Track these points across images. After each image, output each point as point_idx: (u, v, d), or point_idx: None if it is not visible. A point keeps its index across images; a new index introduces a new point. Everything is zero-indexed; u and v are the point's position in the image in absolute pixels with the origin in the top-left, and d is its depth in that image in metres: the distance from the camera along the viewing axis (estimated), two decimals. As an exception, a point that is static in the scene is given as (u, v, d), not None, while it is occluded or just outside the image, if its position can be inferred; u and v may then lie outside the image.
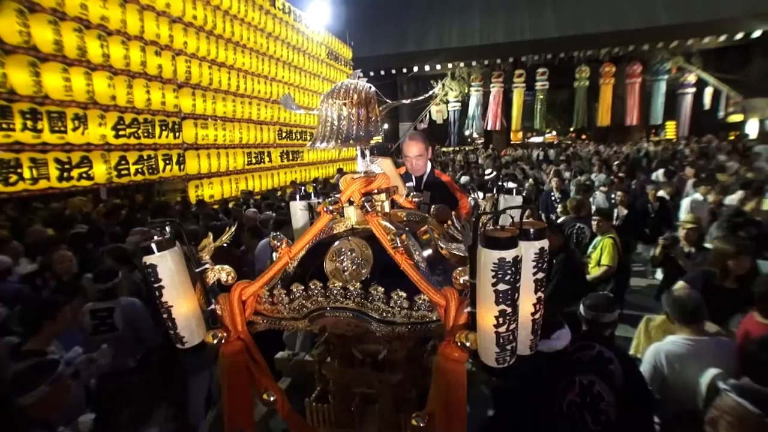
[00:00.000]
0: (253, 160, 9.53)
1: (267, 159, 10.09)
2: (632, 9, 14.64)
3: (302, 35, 11.66)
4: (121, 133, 6.15)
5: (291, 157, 11.27)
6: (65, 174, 5.37)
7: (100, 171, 5.83)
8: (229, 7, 8.59)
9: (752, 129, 15.73)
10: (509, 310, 0.95)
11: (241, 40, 9.02)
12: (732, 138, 15.78)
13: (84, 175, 5.62)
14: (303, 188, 2.16)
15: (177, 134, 7.27)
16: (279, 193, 8.87)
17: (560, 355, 1.93)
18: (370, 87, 1.50)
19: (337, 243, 1.41)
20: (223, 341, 1.31)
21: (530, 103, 18.54)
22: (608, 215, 4.23)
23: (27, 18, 4.86)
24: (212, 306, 1.36)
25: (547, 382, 1.91)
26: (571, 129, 26.59)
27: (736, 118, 16.96)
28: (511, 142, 23.25)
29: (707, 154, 11.63)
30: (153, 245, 1.20)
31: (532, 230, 1.00)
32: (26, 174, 4.93)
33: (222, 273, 1.40)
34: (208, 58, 7.98)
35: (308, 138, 11.79)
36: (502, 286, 0.93)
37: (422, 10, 17.96)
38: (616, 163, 10.11)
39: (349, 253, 1.38)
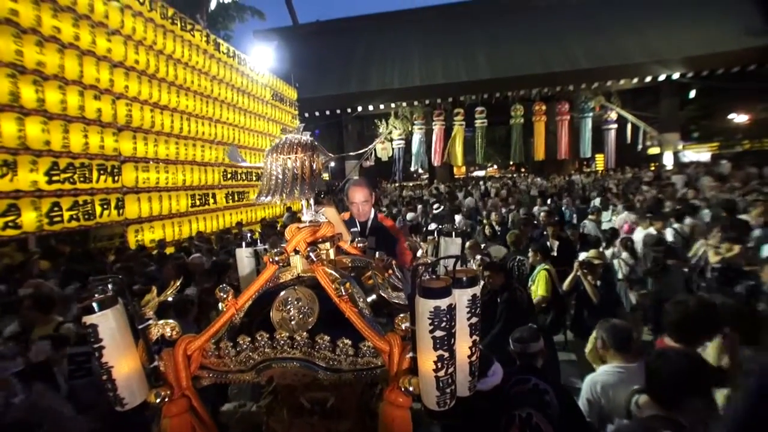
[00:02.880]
0: (197, 202, 9.28)
1: (212, 200, 9.87)
2: (556, 54, 16.35)
3: (247, 77, 11.74)
4: (54, 178, 5.83)
5: (237, 198, 11.09)
6: None
7: (29, 219, 5.46)
8: (172, 51, 8.55)
9: (668, 160, 17.49)
10: (446, 354, 1.02)
11: (185, 83, 8.95)
12: (653, 168, 17.40)
13: (10, 224, 5.24)
14: (249, 235, 2.17)
15: (116, 178, 6.98)
16: (232, 233, 8.69)
17: (498, 390, 2.01)
18: (313, 141, 1.58)
19: (283, 293, 1.44)
20: (166, 399, 1.28)
21: (471, 139, 19.55)
22: (543, 247, 4.48)
23: None
24: (155, 363, 1.33)
25: (490, 419, 1.98)
26: (511, 163, 28.17)
27: (655, 150, 18.86)
28: (455, 176, 24.16)
29: (632, 183, 12.69)
30: (94, 304, 1.17)
31: (464, 278, 1.08)
32: None
33: (166, 328, 1.38)
34: (150, 102, 7.83)
35: (254, 178, 11.77)
36: (438, 333, 1.00)
37: (364, 53, 18.76)
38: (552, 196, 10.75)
39: (295, 302, 1.41)
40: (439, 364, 1.02)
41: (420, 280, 1.05)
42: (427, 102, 18.72)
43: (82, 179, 6.33)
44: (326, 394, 1.55)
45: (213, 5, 16.56)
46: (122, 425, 2.15)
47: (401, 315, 1.22)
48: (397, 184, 20.03)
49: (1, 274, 5.19)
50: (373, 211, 2.51)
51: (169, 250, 7.40)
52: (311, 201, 1.63)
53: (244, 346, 1.34)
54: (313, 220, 1.62)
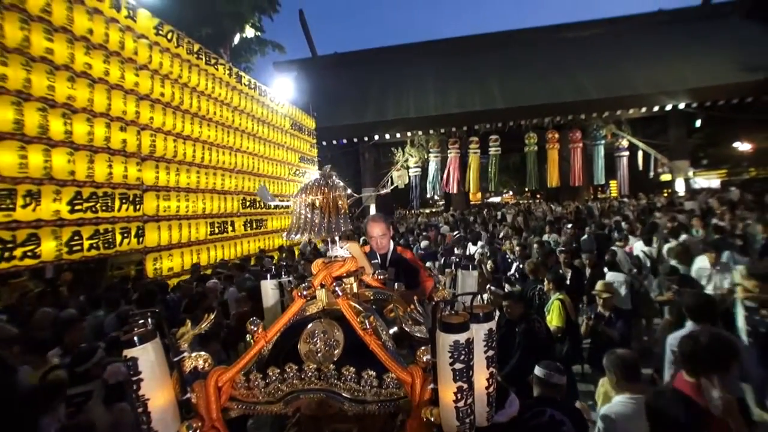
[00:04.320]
0: (216, 230, 9.48)
1: (230, 228, 10.07)
2: (567, 85, 16.74)
3: (267, 108, 12.13)
4: (77, 207, 6.01)
5: (255, 226, 11.28)
6: (5, 254, 5.05)
7: (48, 248, 5.55)
8: (196, 84, 8.93)
9: (680, 186, 17.54)
10: (465, 386, 1.09)
11: (207, 114, 9.30)
12: (666, 195, 17.36)
13: (29, 253, 5.32)
14: (270, 260, 2.26)
15: (138, 207, 7.20)
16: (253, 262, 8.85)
17: (515, 421, 2.03)
18: (339, 182, 1.70)
19: (310, 325, 1.52)
20: (197, 430, 1.34)
21: (486, 166, 19.70)
22: (557, 277, 4.50)
23: None
24: (188, 395, 1.40)
25: None
26: (526, 189, 28.23)
27: (666, 177, 18.84)
28: (471, 203, 24.23)
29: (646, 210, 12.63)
30: (135, 338, 1.23)
31: (481, 314, 1.16)
32: None
33: (199, 360, 1.46)
34: (173, 132, 8.14)
35: (272, 207, 11.97)
36: (458, 365, 1.07)
37: (381, 83, 19.25)
38: (565, 222, 10.72)
39: (321, 334, 1.49)
40: (459, 395, 1.09)
41: (440, 315, 1.13)
42: (442, 130, 19.02)
43: (104, 208, 6.51)
44: (349, 425, 1.61)
45: (236, 40, 17.24)
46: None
47: (422, 348, 1.30)
48: (413, 211, 20.18)
49: (16, 304, 5.32)
50: (391, 243, 2.60)
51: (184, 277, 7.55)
52: (336, 238, 1.73)
53: (273, 378, 1.41)
54: (338, 255, 1.71)
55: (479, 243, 8.13)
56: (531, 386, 2.47)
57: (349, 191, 1.74)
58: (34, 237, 5.38)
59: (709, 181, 19.20)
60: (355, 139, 18.73)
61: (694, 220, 7.90)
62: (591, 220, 11.44)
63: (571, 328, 4.08)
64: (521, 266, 6.17)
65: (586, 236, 8.15)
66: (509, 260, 6.81)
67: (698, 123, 18.05)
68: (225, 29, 16.10)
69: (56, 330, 3.70)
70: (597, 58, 17.58)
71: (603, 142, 18.29)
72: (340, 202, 1.63)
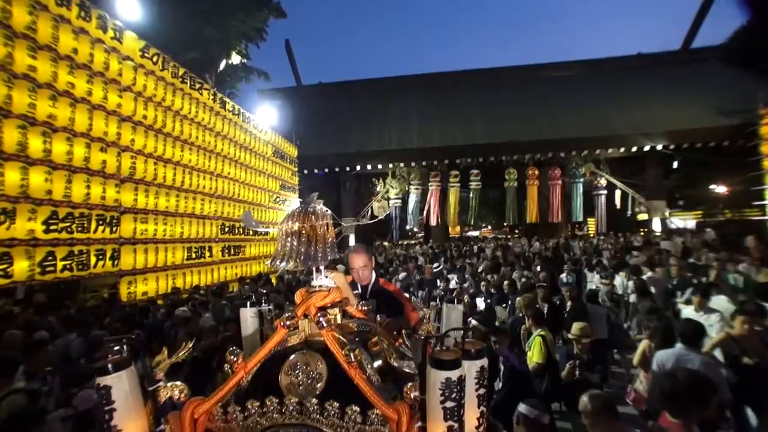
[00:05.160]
0: (194, 255, 9.26)
1: (208, 254, 9.86)
2: (547, 122, 17.25)
3: (249, 134, 12.14)
4: (52, 227, 5.82)
5: (233, 252, 11.08)
6: None
7: (21, 268, 5.37)
8: (180, 108, 8.90)
9: (657, 226, 17.95)
10: (456, 426, 1.05)
11: (190, 138, 9.24)
12: (642, 234, 17.77)
13: (1, 272, 5.15)
14: (247, 287, 2.20)
15: (114, 229, 7.01)
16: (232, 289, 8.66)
17: None
18: (327, 211, 1.68)
19: (292, 357, 1.47)
20: (171, 465, 1.27)
21: (466, 200, 19.95)
22: (537, 313, 4.50)
23: None
24: (161, 426, 1.33)
25: None
26: (505, 224, 28.60)
27: (643, 216, 19.35)
28: (449, 236, 24.37)
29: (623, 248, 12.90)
30: (109, 365, 1.19)
31: (473, 350, 1.14)
32: None
33: (175, 390, 1.39)
34: (154, 155, 8.04)
35: (251, 233, 11.80)
36: (449, 404, 1.04)
37: (364, 114, 19.56)
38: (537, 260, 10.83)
39: (304, 366, 1.44)
40: (449, 435, 1.05)
41: (431, 350, 1.10)
42: (423, 163, 19.28)
43: (80, 229, 6.34)
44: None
45: (222, 66, 17.38)
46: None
47: (410, 384, 1.26)
48: (393, 242, 20.15)
49: None
50: (374, 275, 2.57)
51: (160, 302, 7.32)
52: (321, 267, 1.70)
53: (252, 411, 1.34)
54: (322, 285, 1.68)
55: (465, 275, 8.14)
56: (513, 423, 2.42)
57: (337, 222, 1.72)
58: (6, 256, 5.22)
59: (684, 221, 19.67)
60: (337, 169, 18.80)
61: (672, 260, 8.09)
62: (569, 257, 11.60)
63: (551, 365, 4.06)
64: (489, 301, 6.24)
65: (564, 272, 8.26)
66: (485, 295, 6.83)
67: (675, 164, 18.68)
68: (212, 55, 16.24)
69: (24, 351, 3.49)
70: (578, 97, 18.12)
71: (582, 180, 18.78)
72: (326, 231, 1.60)
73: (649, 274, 7.18)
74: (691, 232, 15.63)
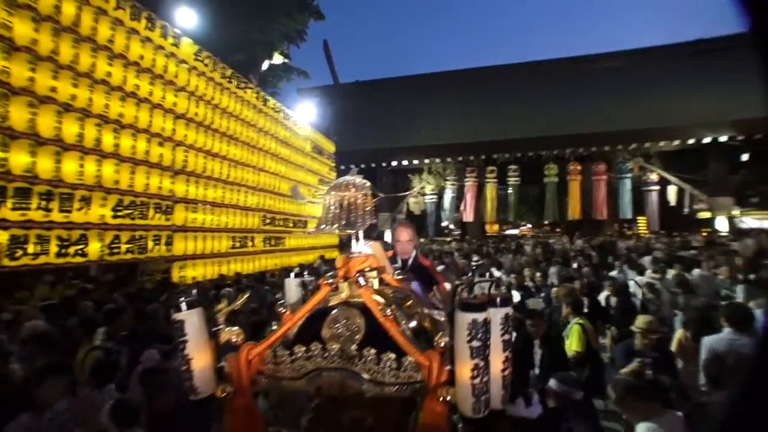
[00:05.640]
0: (237, 244, 9.72)
1: (250, 243, 10.30)
2: (590, 115, 16.39)
3: (290, 130, 12.54)
4: (118, 214, 6.42)
5: (273, 243, 11.50)
6: (63, 251, 5.53)
7: (94, 248, 6.00)
8: (226, 105, 9.37)
9: (722, 225, 16.36)
10: (482, 363, 1.17)
11: (235, 134, 9.70)
12: (704, 234, 16.25)
13: (79, 251, 5.78)
14: (298, 268, 2.40)
15: (168, 217, 7.52)
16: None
17: (536, 424, 2.06)
18: (366, 182, 1.83)
19: (334, 311, 1.62)
20: (230, 395, 1.46)
21: (503, 196, 19.62)
22: (575, 302, 4.43)
23: (62, 116, 5.53)
24: (222, 363, 1.53)
25: None
26: (545, 222, 27.92)
27: (705, 214, 17.85)
28: (486, 234, 24.01)
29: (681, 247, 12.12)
30: (183, 304, 1.42)
31: (498, 299, 1.25)
32: (30, 249, 5.13)
33: (232, 334, 1.59)
34: (204, 149, 8.52)
35: (291, 225, 12.19)
36: (475, 343, 1.16)
37: (400, 110, 19.60)
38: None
39: (344, 320, 1.59)
40: (475, 372, 1.16)
41: (459, 296, 1.22)
42: (459, 158, 19.14)
43: (140, 216, 6.88)
44: (365, 414, 1.68)
45: (265, 66, 18.01)
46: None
47: (441, 333, 1.38)
48: (428, 239, 20.15)
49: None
50: (414, 251, 2.70)
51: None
52: (360, 235, 1.85)
53: (299, 355, 1.51)
54: (361, 252, 1.82)
55: (502, 270, 8.13)
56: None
57: (376, 193, 1.86)
58: (84, 238, 5.86)
59: (760, 221, 17.40)
60: (373, 164, 18.98)
61: (737, 259, 7.35)
62: (612, 256, 11.10)
63: (592, 355, 3.98)
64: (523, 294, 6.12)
65: (615, 270, 7.93)
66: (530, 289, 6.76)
67: (745, 157, 17.14)
68: (256, 56, 16.89)
69: (105, 317, 4.12)
70: (624, 89, 16.93)
71: (630, 175, 17.79)
72: (365, 200, 1.75)
73: (698, 271, 6.84)
74: (767, 233, 14.04)
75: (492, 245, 16.00)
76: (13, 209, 4.97)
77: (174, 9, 9.45)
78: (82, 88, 5.83)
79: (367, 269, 1.76)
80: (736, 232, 15.09)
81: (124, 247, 6.51)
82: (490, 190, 19.16)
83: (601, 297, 5.79)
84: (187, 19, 9.51)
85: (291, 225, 12.33)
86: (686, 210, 18.02)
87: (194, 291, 1.51)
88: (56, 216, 5.47)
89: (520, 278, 6.82)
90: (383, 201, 20.09)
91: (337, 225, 1.68)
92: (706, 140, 15.62)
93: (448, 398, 1.25)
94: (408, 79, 22.69)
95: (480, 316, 1.16)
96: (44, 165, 5.29)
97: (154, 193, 7.19)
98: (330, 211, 1.73)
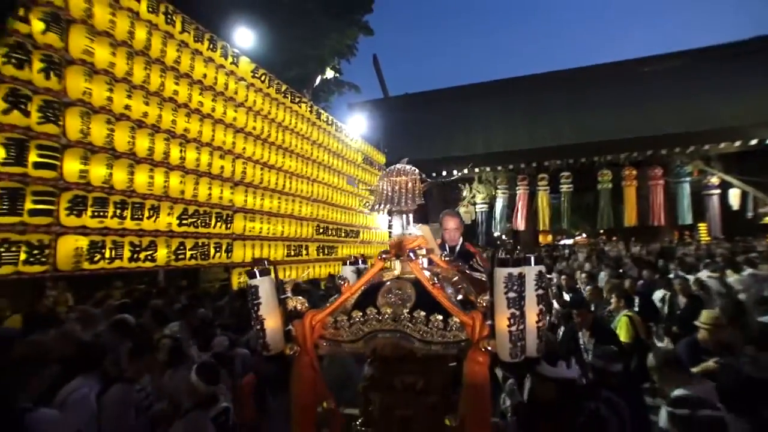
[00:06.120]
0: (292, 252, 10.18)
1: (305, 252, 10.74)
2: (643, 119, 15.86)
3: (342, 143, 13.01)
4: (183, 222, 6.96)
5: (326, 252, 11.91)
6: (135, 256, 6.08)
7: (161, 254, 6.51)
8: (282, 119, 9.94)
9: (789, 229, 15.49)
10: (518, 313, 1.33)
11: (290, 146, 10.23)
12: (771, 240, 15.39)
13: (149, 257, 6.31)
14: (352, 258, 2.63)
15: (228, 225, 8.05)
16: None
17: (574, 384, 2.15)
18: (415, 169, 2.03)
19: (387, 283, 1.83)
20: (297, 354, 1.70)
21: (556, 205, 19.15)
22: (625, 294, 4.41)
23: (135, 132, 6.17)
24: (289, 327, 1.77)
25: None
26: (600, 231, 26.79)
27: None
28: (539, 244, 23.42)
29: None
30: (256, 271, 1.68)
31: (532, 257, 1.40)
32: (107, 254, 5.67)
33: (297, 302, 1.83)
34: (261, 161, 9.07)
35: (343, 235, 12.57)
36: (511, 294, 1.32)
37: (449, 121, 19.73)
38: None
39: (397, 291, 1.79)
40: (512, 320, 1.33)
41: (497, 256, 1.38)
42: (510, 167, 18.94)
43: (203, 224, 7.42)
44: (416, 377, 1.86)
45: (318, 81, 18.87)
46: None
47: (482, 294, 1.55)
48: (480, 248, 19.94)
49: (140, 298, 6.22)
50: (461, 239, 2.87)
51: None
52: (411, 218, 2.05)
53: (357, 319, 1.72)
54: (412, 233, 2.02)
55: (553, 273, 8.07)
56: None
57: (424, 178, 2.07)
58: (153, 244, 6.40)
59: None
60: (423, 175, 19.10)
61: None
62: (670, 262, 10.64)
63: (640, 345, 3.96)
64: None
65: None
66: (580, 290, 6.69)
67: None
68: (308, 71, 17.76)
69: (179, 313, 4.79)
70: (679, 91, 16.38)
71: (688, 179, 17.00)
72: (414, 184, 1.96)
73: (750, 270, 6.46)
74: None
75: (545, 253, 15.70)
76: (92, 217, 5.51)
77: (233, 30, 10.18)
78: (152, 105, 6.43)
79: (417, 247, 1.96)
80: None
81: (188, 253, 7.03)
82: (543, 198, 18.76)
83: (655, 298, 5.64)
84: (244, 38, 10.21)
85: (343, 235, 12.72)
86: (750, 214, 16.90)
87: (266, 262, 1.76)
88: (129, 224, 6.02)
89: (570, 280, 6.72)
90: (435, 212, 20.16)
91: (391, 205, 1.89)
92: (769, 141, 14.66)
93: (489, 348, 1.41)
94: (456, 90, 22.81)
95: (515, 271, 1.32)
96: (119, 177, 5.86)
97: (215, 203, 7.73)
98: (383, 194, 1.95)
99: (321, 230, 11.59)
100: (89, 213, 5.48)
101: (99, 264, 5.58)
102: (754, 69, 15.91)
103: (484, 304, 1.52)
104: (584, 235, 33.78)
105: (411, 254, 1.85)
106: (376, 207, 1.90)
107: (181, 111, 7.01)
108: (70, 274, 5.43)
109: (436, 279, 1.71)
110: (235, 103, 8.38)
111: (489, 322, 1.45)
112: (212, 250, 7.63)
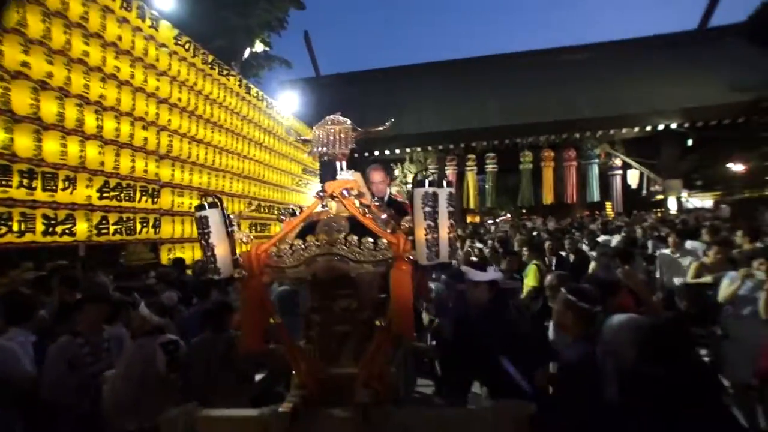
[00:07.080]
0: (224, 229, 9.99)
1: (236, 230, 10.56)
2: (561, 104, 17.52)
3: (273, 119, 12.81)
4: (104, 195, 6.56)
5: (258, 229, 11.80)
6: (50, 229, 5.68)
7: (81, 229, 6.15)
8: (209, 92, 9.60)
9: (673, 205, 18.10)
10: (432, 224, 1.62)
11: (219, 121, 9.93)
12: (659, 214, 17.71)
13: (67, 231, 5.93)
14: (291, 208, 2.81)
15: (155, 200, 7.74)
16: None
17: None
18: (347, 120, 2.27)
19: (324, 219, 2.07)
20: (244, 277, 1.89)
21: (483, 186, 20.33)
22: (536, 246, 5.09)
23: (39, 93, 5.57)
24: (236, 256, 1.96)
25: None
26: (522, 210, 28.74)
27: (660, 197, 19.41)
28: (467, 222, 24.65)
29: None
30: (205, 204, 1.85)
31: (445, 181, 1.71)
32: (15, 227, 5.23)
33: (242, 235, 2.03)
34: (188, 135, 8.73)
35: (275, 212, 12.46)
36: (427, 209, 1.61)
37: (380, 101, 20.01)
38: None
39: (333, 224, 2.04)
40: (428, 230, 1.62)
41: (415, 179, 1.67)
42: (440, 147, 19.72)
43: (126, 198, 7.06)
44: (351, 300, 2.12)
45: (246, 54, 18.21)
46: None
47: (406, 218, 1.84)
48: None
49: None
50: (388, 189, 3.15)
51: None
52: (344, 164, 2.29)
53: (297, 247, 1.95)
54: (345, 177, 2.27)
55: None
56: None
57: (355, 127, 2.30)
58: (71, 217, 6.02)
59: (702, 201, 19.38)
60: (356, 155, 19.33)
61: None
62: (582, 234, 11.89)
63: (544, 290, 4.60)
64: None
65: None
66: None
67: (690, 143, 18.50)
68: (236, 42, 17.05)
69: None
70: (592, 80, 18.24)
71: (597, 161, 18.99)
72: (346, 132, 2.20)
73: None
74: (708, 211, 15.61)
75: (470, 230, 16.71)
76: (-7, 186, 5.02)
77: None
78: (58, 66, 5.87)
79: (350, 189, 2.20)
80: (682, 211, 16.86)
81: (112, 228, 6.69)
82: (471, 178, 19.84)
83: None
84: (163, 1, 9.44)
85: (276, 212, 12.63)
86: (644, 192, 19.58)
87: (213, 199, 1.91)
88: (40, 195, 5.58)
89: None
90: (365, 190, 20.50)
91: (325, 147, 2.12)
92: (660, 127, 17.08)
93: (411, 257, 1.70)
94: (388, 71, 23.13)
95: (430, 190, 1.61)
96: (22, 143, 5.37)
97: (139, 176, 7.37)
98: (319, 140, 2.17)
99: (253, 207, 11.44)
100: (-12, 182, 5.00)
101: (6, 238, 5.16)
102: (656, 63, 18.24)
103: (407, 225, 1.81)
104: (508, 215, 36.00)
105: (345, 192, 2.08)
106: (314, 150, 2.11)
107: (94, 75, 6.47)
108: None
109: (367, 210, 1.97)
110: (156, 72, 7.95)
111: (410, 238, 1.74)
112: (138, 225, 7.34)
